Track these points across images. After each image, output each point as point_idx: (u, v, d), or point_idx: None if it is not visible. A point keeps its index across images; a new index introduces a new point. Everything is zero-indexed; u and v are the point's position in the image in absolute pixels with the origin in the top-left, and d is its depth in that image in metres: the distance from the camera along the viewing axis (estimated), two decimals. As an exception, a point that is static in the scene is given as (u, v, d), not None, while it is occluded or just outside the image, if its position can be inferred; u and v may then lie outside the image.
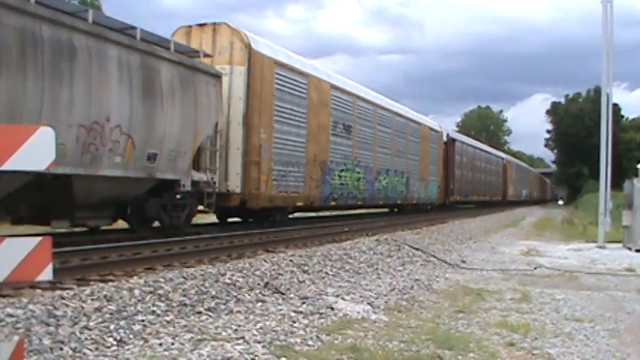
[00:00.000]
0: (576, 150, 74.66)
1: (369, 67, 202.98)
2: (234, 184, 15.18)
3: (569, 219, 32.62)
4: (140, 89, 11.65)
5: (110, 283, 7.11)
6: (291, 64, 17.63)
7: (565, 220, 31.86)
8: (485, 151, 49.06)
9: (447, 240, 18.05)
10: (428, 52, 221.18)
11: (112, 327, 5.61)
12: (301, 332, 6.14)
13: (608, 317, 7.97)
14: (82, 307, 5.87)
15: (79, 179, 10.49)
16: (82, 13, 10.68)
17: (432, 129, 32.98)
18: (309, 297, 7.96)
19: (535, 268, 12.68)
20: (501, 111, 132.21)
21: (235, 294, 7.68)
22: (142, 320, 6.00)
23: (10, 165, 3.30)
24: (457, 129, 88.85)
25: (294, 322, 6.50)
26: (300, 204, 18.23)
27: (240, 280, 8.25)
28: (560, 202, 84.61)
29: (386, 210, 30.65)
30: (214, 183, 14.47)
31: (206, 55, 14.53)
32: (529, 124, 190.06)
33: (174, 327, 6.00)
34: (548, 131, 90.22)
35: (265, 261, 9.73)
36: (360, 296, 8.38)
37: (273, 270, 9.22)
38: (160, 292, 6.93)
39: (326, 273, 10.06)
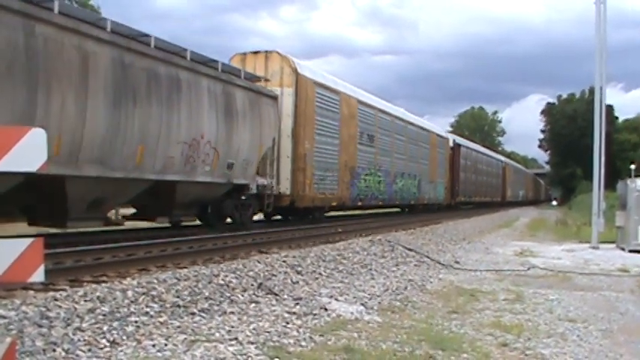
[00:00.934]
0: (570, 151, 74.76)
1: (362, 67, 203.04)
2: (285, 187, 18.04)
3: (562, 220, 32.69)
4: (222, 111, 14.45)
5: (103, 285, 7.10)
6: (327, 84, 20.68)
7: (559, 221, 31.91)
8: (487, 155, 52.63)
9: (440, 240, 18.07)
10: (422, 53, 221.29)
11: (105, 328, 5.60)
12: (294, 333, 6.14)
13: (601, 317, 8.00)
14: (75, 309, 5.85)
15: (181, 184, 13.26)
16: (182, 52, 13.12)
17: (439, 135, 36.44)
18: (302, 298, 7.96)
19: (529, 269, 12.71)
20: (495, 112, 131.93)
21: (229, 295, 7.67)
22: (136, 321, 5.99)
23: (1, 166, 3.29)
24: (451, 129, 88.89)
25: (288, 323, 6.50)
26: (334, 204, 21.20)
27: (234, 281, 8.25)
28: (554, 203, 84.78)
29: (398, 210, 32.82)
30: (272, 186, 17.29)
31: (266, 80, 17.57)
32: (525, 124, 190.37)
33: (167, 328, 5.99)
34: (543, 132, 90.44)
35: (259, 262, 9.73)
36: (354, 297, 8.39)
37: (267, 271, 9.21)
38: (154, 293, 6.92)
39: (319, 274, 10.06)
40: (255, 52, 18.86)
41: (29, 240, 3.42)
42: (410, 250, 14.22)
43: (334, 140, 20.73)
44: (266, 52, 18.74)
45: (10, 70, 8.88)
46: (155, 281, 7.37)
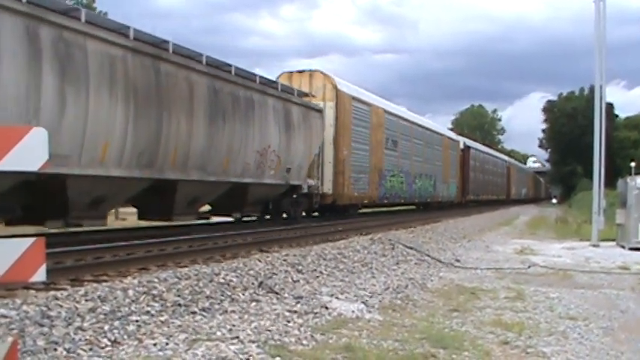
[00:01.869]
0: (570, 149, 74.69)
1: (363, 66, 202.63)
2: (328, 187, 21.00)
3: (563, 217, 32.69)
4: (283, 125, 17.34)
5: (104, 284, 7.10)
6: (361, 97, 23.95)
7: (559, 219, 31.91)
8: (493, 156, 56.78)
9: (440, 239, 18.08)
10: (422, 52, 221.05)
11: (106, 327, 5.60)
12: (296, 332, 6.13)
13: (602, 315, 8.00)
14: (76, 308, 5.85)
15: (253, 186, 16.02)
16: (253, 77, 15.79)
17: (451, 139, 39.80)
18: (303, 296, 7.95)
19: (529, 267, 12.71)
20: (495, 110, 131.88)
21: (229, 294, 7.67)
22: (136, 320, 5.99)
23: (2, 166, 3.29)
24: (451, 127, 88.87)
25: (289, 322, 6.49)
26: (366, 201, 24.62)
27: (235, 279, 8.25)
28: (554, 201, 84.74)
29: (414, 207, 35.58)
30: (318, 187, 20.28)
31: (312, 96, 20.39)
32: (526, 122, 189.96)
33: (168, 327, 5.99)
34: (543, 130, 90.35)
35: (259, 261, 9.73)
36: (355, 295, 8.39)
37: (268, 269, 9.21)
38: (154, 292, 6.92)
39: (320, 272, 10.06)
40: (301, 72, 22.03)
41: (31, 240, 3.42)
42: (410, 248, 14.22)
43: (365, 146, 23.87)
44: (310, 71, 21.95)
45: (147, 99, 11.60)
46: (156, 280, 7.37)
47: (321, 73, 21.84)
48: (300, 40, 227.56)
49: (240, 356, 5.15)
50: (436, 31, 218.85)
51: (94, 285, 7.05)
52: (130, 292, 6.68)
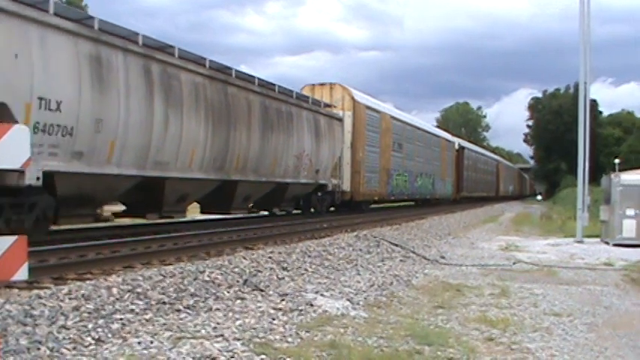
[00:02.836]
0: (555, 145, 75.17)
1: (348, 63, 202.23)
2: (346, 185, 24.14)
3: (547, 214, 32.90)
4: (314, 133, 20.70)
5: (88, 282, 7.05)
6: (373, 106, 27.27)
7: (543, 215, 32.12)
8: (484, 155, 60.68)
9: (425, 236, 18.12)
10: (407, 49, 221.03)
11: (90, 326, 5.56)
12: (281, 329, 6.12)
13: (586, 311, 8.06)
14: (60, 307, 5.81)
15: (292, 185, 19.33)
16: (290, 92, 19.20)
17: (447, 140, 43.17)
18: (288, 294, 7.94)
19: (514, 264, 12.77)
20: (480, 107, 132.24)
21: (214, 291, 7.65)
22: (121, 319, 5.95)
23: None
24: (436, 124, 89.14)
25: (274, 319, 6.48)
26: (376, 198, 28.04)
27: (219, 277, 8.23)
28: (539, 198, 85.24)
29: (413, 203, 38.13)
30: (339, 185, 23.45)
31: (333, 106, 23.65)
32: (513, 119, 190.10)
33: (153, 325, 5.95)
34: (529, 127, 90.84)
35: (244, 258, 9.71)
36: (340, 292, 8.38)
37: (253, 267, 9.20)
38: (139, 290, 6.88)
39: (305, 269, 10.05)
40: (322, 84, 25.20)
41: (13, 238, 3.38)
42: (395, 245, 14.24)
43: (377, 149, 27.00)
44: (330, 83, 25.13)
45: (220, 115, 14.68)
46: (140, 278, 7.33)
47: (340, 85, 25.12)
48: (286, 37, 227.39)
49: (225, 354, 5.13)
50: (421, 28, 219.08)
51: (78, 283, 6.99)
52: (115, 291, 6.64)
